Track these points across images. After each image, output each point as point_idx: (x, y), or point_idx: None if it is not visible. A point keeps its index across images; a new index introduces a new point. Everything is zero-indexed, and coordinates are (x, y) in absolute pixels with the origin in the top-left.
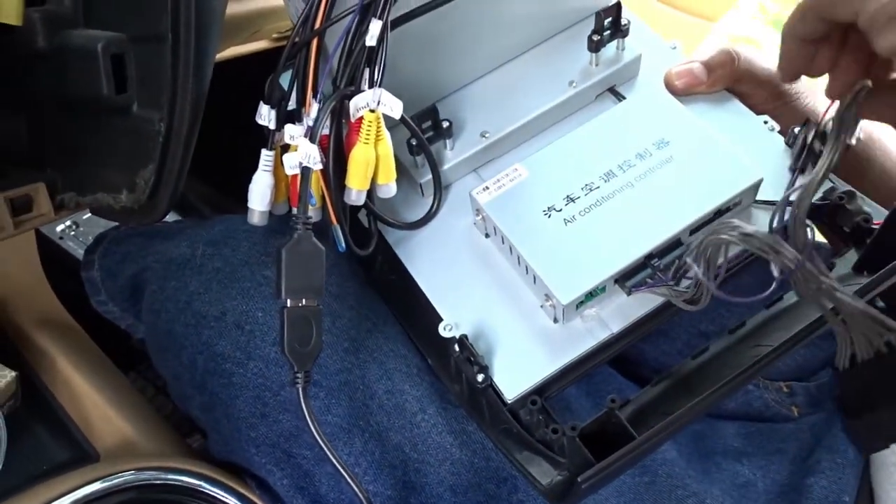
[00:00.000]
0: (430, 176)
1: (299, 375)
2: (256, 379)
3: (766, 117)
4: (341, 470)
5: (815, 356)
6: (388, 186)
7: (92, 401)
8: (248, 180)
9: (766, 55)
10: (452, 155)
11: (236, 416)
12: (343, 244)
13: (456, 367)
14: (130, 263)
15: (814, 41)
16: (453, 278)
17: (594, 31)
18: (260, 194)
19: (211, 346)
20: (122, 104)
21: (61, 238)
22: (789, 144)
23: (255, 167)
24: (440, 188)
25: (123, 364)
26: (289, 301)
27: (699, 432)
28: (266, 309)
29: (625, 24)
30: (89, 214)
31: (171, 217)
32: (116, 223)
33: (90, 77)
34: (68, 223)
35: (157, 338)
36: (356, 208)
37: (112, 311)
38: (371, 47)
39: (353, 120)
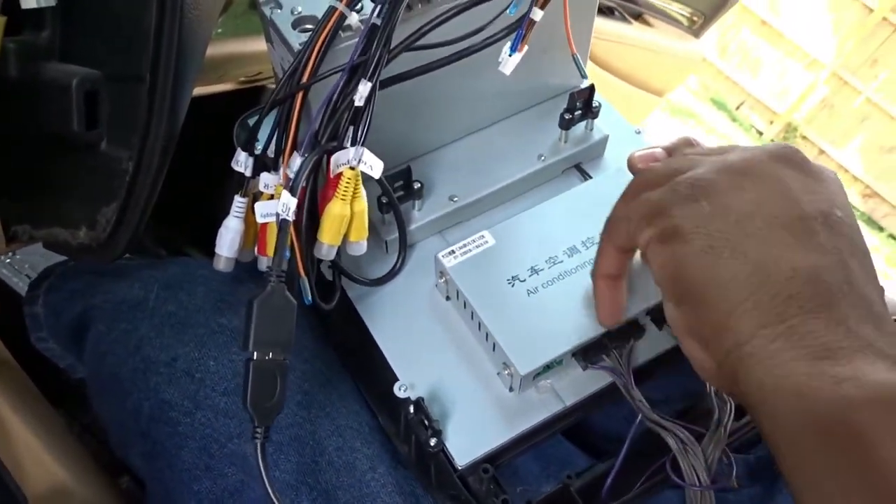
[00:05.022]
0: (396, 234)
1: (259, 430)
2: (204, 429)
3: None
4: None
5: (753, 429)
6: (360, 244)
7: (25, 443)
8: (202, 221)
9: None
10: (420, 216)
11: (180, 467)
12: (309, 297)
13: (406, 428)
14: (77, 301)
15: (620, 277)
16: (411, 338)
17: (566, 110)
18: (229, 240)
19: (158, 393)
20: (90, 141)
21: None
22: None
23: (209, 207)
24: (405, 247)
25: (53, 400)
26: (255, 353)
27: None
28: (219, 358)
29: (596, 107)
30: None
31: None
32: (64, 258)
33: (61, 111)
34: None
35: (101, 381)
36: (319, 261)
37: (52, 349)
38: (357, 107)
39: (332, 176)
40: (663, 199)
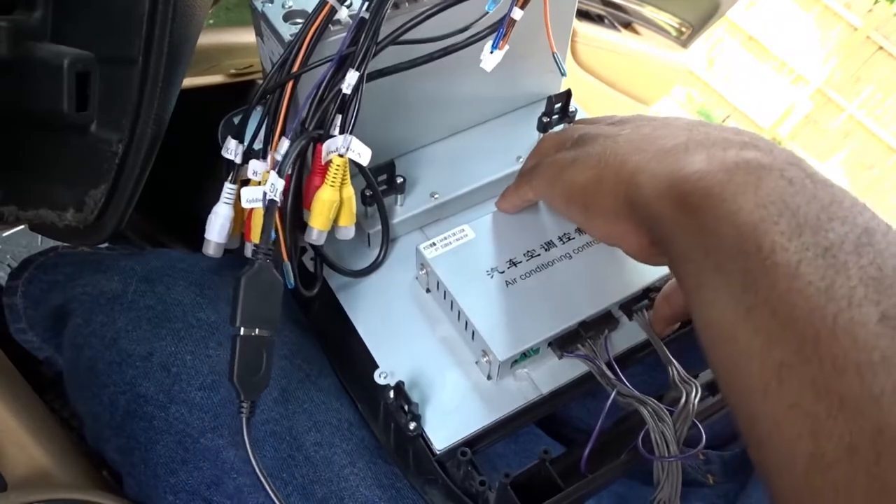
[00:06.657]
0: (379, 227)
1: (244, 404)
2: (178, 424)
3: None
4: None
5: (729, 425)
6: (349, 229)
7: (7, 426)
8: (186, 217)
9: None
10: (402, 211)
11: (155, 460)
12: (292, 281)
13: (386, 415)
14: (57, 293)
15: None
16: (392, 328)
17: (544, 113)
18: (219, 226)
19: (134, 387)
20: (80, 122)
21: None
22: None
23: (193, 203)
24: (387, 240)
25: (38, 389)
26: (242, 329)
27: (621, 495)
28: (196, 353)
29: (572, 111)
30: (10, 233)
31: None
32: (41, 250)
33: (51, 92)
34: None
35: (78, 374)
36: (303, 250)
37: (31, 341)
38: (345, 95)
39: (322, 163)
40: (568, 133)
